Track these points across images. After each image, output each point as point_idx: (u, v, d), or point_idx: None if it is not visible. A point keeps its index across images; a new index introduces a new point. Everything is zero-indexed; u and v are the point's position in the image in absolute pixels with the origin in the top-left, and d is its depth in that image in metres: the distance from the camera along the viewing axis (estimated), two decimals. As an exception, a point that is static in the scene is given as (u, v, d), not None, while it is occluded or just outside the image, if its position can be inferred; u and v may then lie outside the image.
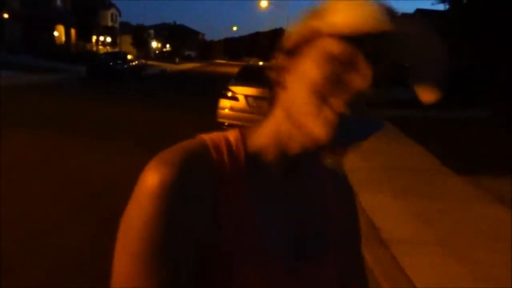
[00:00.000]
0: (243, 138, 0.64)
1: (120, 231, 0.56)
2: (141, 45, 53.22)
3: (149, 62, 35.87)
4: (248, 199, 0.61)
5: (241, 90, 8.05)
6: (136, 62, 26.57)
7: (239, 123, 7.87)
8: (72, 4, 36.70)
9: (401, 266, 3.37)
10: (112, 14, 49.78)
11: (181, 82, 24.16)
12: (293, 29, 0.60)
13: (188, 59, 69.18)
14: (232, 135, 0.64)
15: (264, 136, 0.64)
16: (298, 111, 0.58)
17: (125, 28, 54.59)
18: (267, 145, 0.64)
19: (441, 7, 18.27)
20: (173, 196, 0.54)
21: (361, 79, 0.54)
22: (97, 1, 42.48)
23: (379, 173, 6.23)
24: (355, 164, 6.61)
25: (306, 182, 0.69)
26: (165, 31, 67.02)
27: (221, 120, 8.18)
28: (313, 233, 0.68)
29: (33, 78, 16.62)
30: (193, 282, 0.57)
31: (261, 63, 18.79)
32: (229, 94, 8.12)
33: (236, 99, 8.02)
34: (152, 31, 66.28)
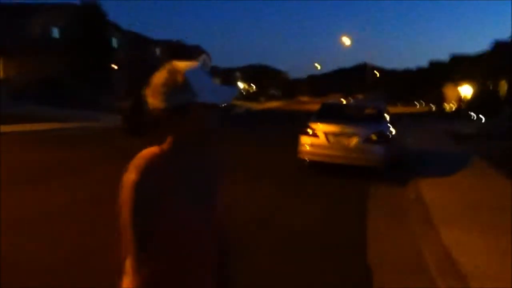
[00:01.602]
0: (167, 145, 1.25)
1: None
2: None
3: (236, 102, 37.79)
4: (170, 179, 1.21)
5: (321, 127, 8.26)
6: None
7: (320, 159, 8.18)
8: (168, 52, 40.59)
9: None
10: (203, 59, 53.70)
11: (264, 120, 25.12)
12: (165, 102, 1.18)
13: (272, 97, 71.31)
14: (162, 145, 1.25)
15: (169, 144, 1.25)
16: (194, 131, 1.24)
17: (214, 71, 58.35)
18: (177, 146, 1.25)
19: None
20: (139, 190, 1.16)
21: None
22: (191, 48, 46.30)
23: (462, 209, 6.08)
24: (438, 197, 6.52)
25: (200, 161, 1.32)
26: (251, 72, 70.19)
27: (302, 156, 8.54)
28: (206, 189, 1.31)
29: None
30: (149, 235, 1.19)
31: (342, 100, 19.00)
32: (310, 131, 8.34)
33: (316, 135, 8.22)
34: (238, 73, 69.90)
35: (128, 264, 1.22)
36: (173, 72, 1.19)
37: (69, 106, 19.82)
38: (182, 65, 1.23)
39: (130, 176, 1.17)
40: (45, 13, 27.15)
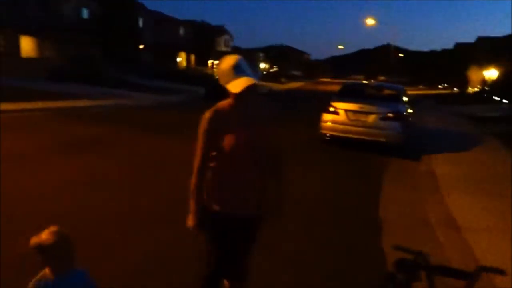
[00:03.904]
0: (230, 99, 2.22)
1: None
2: (250, 67, 56.62)
3: (258, 83, 38.31)
4: (231, 117, 2.20)
5: (342, 105, 9.07)
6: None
7: (340, 134, 8.87)
8: (193, 32, 41.23)
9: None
10: (225, 40, 54.11)
11: (286, 100, 25.64)
12: (221, 81, 2.19)
13: (294, 78, 71.34)
14: (228, 99, 2.24)
15: (231, 99, 2.22)
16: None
17: (237, 52, 58.26)
18: (233, 98, 2.20)
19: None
20: (208, 121, 2.20)
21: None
22: (214, 28, 46.81)
23: (469, 179, 6.75)
24: (448, 170, 7.17)
25: (252, 105, 2.27)
26: (272, 53, 70.33)
27: (323, 131, 9.29)
28: (257, 122, 2.27)
29: (162, 98, 19.60)
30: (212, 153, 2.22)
31: (364, 81, 19.68)
32: (331, 109, 9.15)
33: (337, 113, 9.06)
34: (260, 54, 70.01)
35: (195, 165, 2.19)
36: (224, 62, 2.13)
37: (99, 85, 20.93)
38: (229, 58, 2.13)
39: (205, 114, 2.17)
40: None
